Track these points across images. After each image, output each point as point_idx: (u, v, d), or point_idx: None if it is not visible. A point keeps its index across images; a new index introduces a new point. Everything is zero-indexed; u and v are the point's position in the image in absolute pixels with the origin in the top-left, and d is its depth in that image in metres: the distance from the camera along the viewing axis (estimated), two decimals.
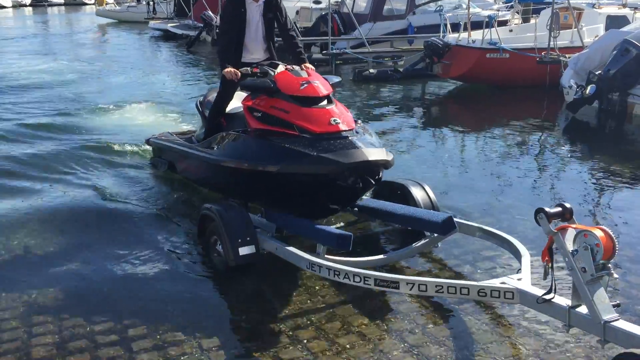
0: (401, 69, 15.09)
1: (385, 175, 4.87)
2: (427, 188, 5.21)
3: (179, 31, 25.17)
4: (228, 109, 5.59)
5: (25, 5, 57.08)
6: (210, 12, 21.13)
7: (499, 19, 14.74)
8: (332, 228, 4.68)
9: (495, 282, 3.70)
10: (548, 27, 12.35)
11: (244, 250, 4.38)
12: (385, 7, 18.30)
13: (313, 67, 5.13)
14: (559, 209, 3.37)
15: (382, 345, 3.66)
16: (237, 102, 5.46)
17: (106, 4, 40.44)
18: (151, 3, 33.93)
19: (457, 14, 16.12)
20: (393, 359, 3.53)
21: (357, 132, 4.57)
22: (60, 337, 3.78)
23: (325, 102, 4.68)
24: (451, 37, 13.66)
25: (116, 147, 8.00)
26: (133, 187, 6.59)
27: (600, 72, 9.99)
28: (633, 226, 5.57)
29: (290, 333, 3.81)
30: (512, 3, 16.40)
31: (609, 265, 3.19)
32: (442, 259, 4.84)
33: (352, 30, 17.30)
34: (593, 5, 14.46)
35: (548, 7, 13.39)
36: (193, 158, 5.75)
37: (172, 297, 4.27)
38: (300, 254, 4.22)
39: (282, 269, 4.52)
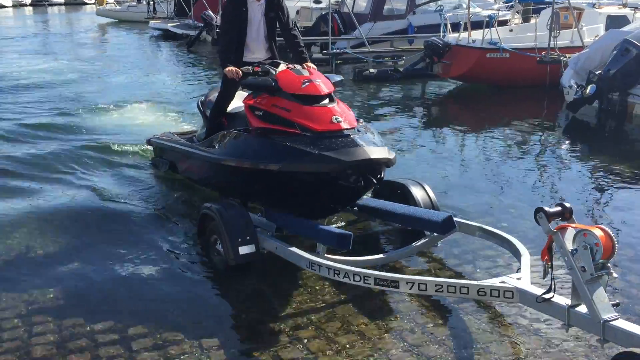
0: (401, 69, 15.09)
1: (386, 175, 4.87)
2: (427, 187, 5.21)
3: (179, 31, 25.16)
4: (229, 109, 5.58)
5: (26, 5, 57.06)
6: (210, 12, 21.13)
7: (499, 19, 14.74)
8: (332, 227, 4.69)
9: (494, 282, 3.71)
10: (548, 27, 12.35)
11: (244, 250, 4.38)
12: (386, 6, 18.31)
13: (315, 66, 5.11)
14: (559, 208, 3.37)
15: (382, 345, 3.66)
16: (238, 101, 5.44)
17: (106, 3, 40.46)
18: (151, 3, 33.92)
19: (457, 14, 16.13)
20: (393, 358, 3.54)
21: (358, 131, 4.56)
22: (60, 336, 3.78)
23: (326, 100, 4.66)
24: (451, 36, 13.66)
25: (116, 147, 8.00)
26: (133, 187, 6.59)
27: (600, 72, 9.99)
28: (633, 226, 5.57)
29: (290, 332, 3.81)
30: (512, 3, 16.41)
31: (609, 264, 3.20)
32: (442, 259, 4.84)
33: (353, 30, 17.31)
34: (593, 5, 14.47)
35: (548, 7, 13.39)
36: (194, 157, 5.74)
37: (172, 297, 4.27)
38: (300, 253, 4.23)
39: (282, 268, 4.52)
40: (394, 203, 4.99)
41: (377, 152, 4.39)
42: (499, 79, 12.78)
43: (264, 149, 4.57)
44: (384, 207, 4.97)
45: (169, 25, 26.47)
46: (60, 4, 57.66)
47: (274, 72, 4.83)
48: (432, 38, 13.71)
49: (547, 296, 3.37)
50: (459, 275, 4.57)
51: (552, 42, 12.12)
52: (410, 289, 3.77)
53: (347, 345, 3.66)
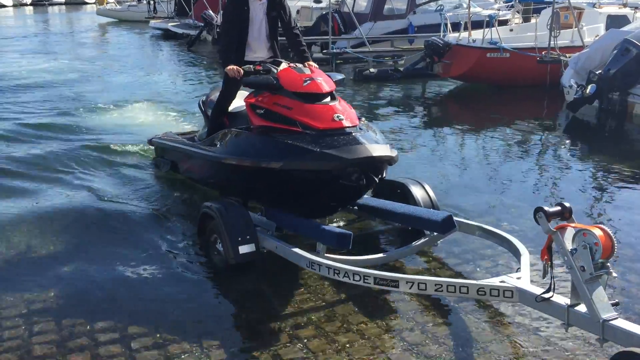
0: (401, 69, 15.10)
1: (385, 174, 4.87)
2: (427, 187, 5.21)
3: (180, 30, 25.18)
4: (231, 108, 5.55)
5: (26, 5, 57.11)
6: (210, 12, 21.14)
7: (500, 19, 14.77)
8: (332, 227, 4.69)
9: (494, 281, 3.71)
10: (548, 27, 12.36)
11: (244, 249, 4.38)
12: (386, 6, 18.31)
13: (316, 65, 5.09)
14: (558, 208, 3.38)
15: (382, 344, 3.67)
16: (240, 101, 5.41)
17: (107, 3, 40.52)
18: (152, 2, 33.97)
19: (457, 14, 16.14)
20: (392, 357, 3.54)
21: (360, 129, 4.54)
22: (60, 335, 3.78)
23: (328, 98, 4.65)
24: (451, 36, 13.67)
25: (117, 147, 7.99)
26: (134, 187, 6.59)
27: (600, 71, 10.00)
28: (633, 225, 5.58)
29: (290, 331, 3.82)
30: (512, 2, 16.42)
31: (608, 264, 3.20)
32: (442, 258, 4.85)
33: (353, 29, 17.30)
34: (593, 5, 14.47)
35: (548, 6, 13.40)
36: (195, 157, 5.72)
37: (171, 296, 4.27)
38: (300, 253, 4.23)
39: (282, 267, 4.52)
40: (394, 202, 4.99)
41: (379, 149, 4.37)
42: (499, 79, 12.79)
43: (265, 147, 4.55)
44: (383, 206, 4.97)
45: (170, 25, 26.48)
46: (60, 4, 57.71)
47: (275, 71, 4.81)
48: (433, 38, 13.72)
49: (546, 295, 3.38)
50: (459, 275, 4.57)
51: (552, 42, 12.12)
52: (410, 288, 3.77)
53: (347, 345, 3.66)
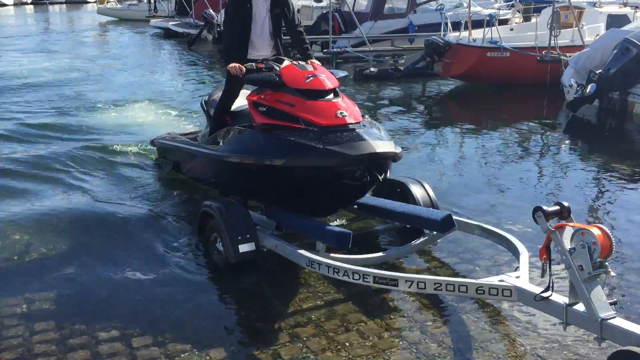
0: (402, 68, 15.10)
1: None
2: (427, 186, 5.21)
3: (180, 29, 25.17)
4: (233, 107, 5.50)
5: (27, 3, 57.14)
6: (211, 11, 21.11)
7: (500, 18, 14.76)
8: (332, 226, 4.70)
9: (493, 280, 3.71)
10: (549, 26, 12.36)
11: (243, 248, 4.38)
12: (386, 5, 18.30)
13: (319, 63, 5.07)
14: (557, 207, 3.38)
15: (381, 343, 3.68)
16: (242, 100, 5.38)
17: (107, 2, 40.48)
18: (152, 1, 33.94)
19: (458, 13, 16.13)
20: (392, 356, 3.55)
21: (364, 125, 4.48)
22: (60, 334, 3.79)
23: (331, 95, 4.60)
24: (452, 35, 13.67)
25: (117, 147, 7.98)
26: (134, 188, 6.58)
27: (600, 71, 10.01)
28: (632, 225, 5.58)
29: (290, 331, 3.83)
30: (512, 2, 16.39)
31: (606, 263, 3.21)
32: (441, 257, 4.85)
33: (353, 28, 17.29)
34: (594, 4, 14.46)
35: (549, 6, 13.39)
36: (197, 156, 5.70)
37: (172, 295, 4.28)
38: (299, 252, 4.23)
39: (282, 266, 4.53)
40: (394, 201, 4.99)
41: (383, 146, 4.32)
42: (500, 78, 12.79)
43: (267, 144, 4.51)
44: (383, 205, 4.96)
45: (170, 24, 26.48)
46: (61, 3, 57.73)
47: (277, 68, 4.77)
48: (433, 37, 13.71)
49: (545, 295, 3.38)
50: (458, 274, 4.58)
51: (552, 41, 12.12)
52: (409, 287, 3.78)
53: (347, 344, 3.67)
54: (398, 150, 4.56)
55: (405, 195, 5.13)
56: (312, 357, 3.55)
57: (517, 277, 3.71)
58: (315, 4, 21.03)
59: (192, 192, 6.30)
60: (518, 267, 3.93)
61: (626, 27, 11.33)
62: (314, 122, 4.39)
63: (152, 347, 3.65)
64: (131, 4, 36.77)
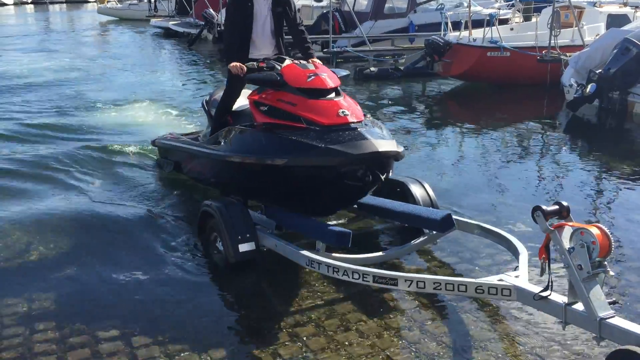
0: (402, 68, 15.11)
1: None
2: (427, 185, 5.22)
3: (181, 29, 25.18)
4: (235, 107, 5.48)
5: (27, 3, 57.16)
6: (211, 10, 21.11)
7: (500, 18, 14.76)
8: (332, 225, 4.70)
9: (492, 279, 3.71)
10: (549, 26, 12.36)
11: (243, 247, 4.39)
12: (387, 5, 18.30)
13: (320, 62, 5.05)
14: (556, 207, 3.39)
15: (381, 342, 3.68)
16: (243, 100, 5.36)
17: (108, 1, 40.49)
18: (152, 1, 33.93)
19: (458, 12, 16.14)
20: (391, 355, 3.56)
21: (366, 124, 4.46)
22: (61, 333, 3.80)
23: (333, 94, 4.58)
24: (452, 35, 13.68)
25: (118, 147, 7.98)
26: (135, 188, 6.58)
27: (600, 70, 10.01)
28: (632, 224, 5.59)
29: (290, 330, 3.83)
30: (513, 1, 16.40)
31: (605, 262, 3.22)
32: (441, 257, 4.86)
33: (353, 28, 17.31)
34: (594, 4, 14.47)
35: (549, 5, 13.39)
36: (198, 156, 5.69)
37: (172, 295, 4.29)
38: (299, 251, 4.24)
39: (282, 266, 4.54)
40: (393, 201, 4.99)
41: (385, 145, 4.31)
42: (500, 78, 12.79)
43: (269, 144, 4.48)
44: (383, 204, 4.97)
45: (170, 24, 26.49)
46: (61, 2, 57.72)
47: (279, 67, 4.75)
48: (433, 37, 13.72)
49: (544, 294, 3.39)
50: (458, 273, 4.59)
51: (552, 41, 12.12)
52: (408, 286, 3.78)
53: (346, 343, 3.68)
54: (400, 149, 4.54)
55: (405, 194, 5.14)
56: (311, 356, 3.56)
57: (517, 276, 3.71)
58: (315, 4, 21.04)
59: (192, 192, 6.31)
60: (517, 266, 3.93)
61: (626, 27, 11.33)
62: (316, 121, 4.37)
63: (152, 346, 3.66)
64: (131, 3, 36.78)
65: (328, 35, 16.27)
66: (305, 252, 4.19)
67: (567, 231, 3.29)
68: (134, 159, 7.60)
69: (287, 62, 4.82)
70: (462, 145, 8.92)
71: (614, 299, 3.38)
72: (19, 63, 17.27)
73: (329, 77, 4.65)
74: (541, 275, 3.42)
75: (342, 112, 4.42)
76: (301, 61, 4.88)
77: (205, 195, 5.92)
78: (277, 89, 4.67)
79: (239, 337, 3.82)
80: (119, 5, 38.09)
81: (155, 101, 11.55)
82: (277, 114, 4.61)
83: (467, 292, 3.69)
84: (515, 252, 4.21)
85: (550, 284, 3.38)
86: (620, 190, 6.67)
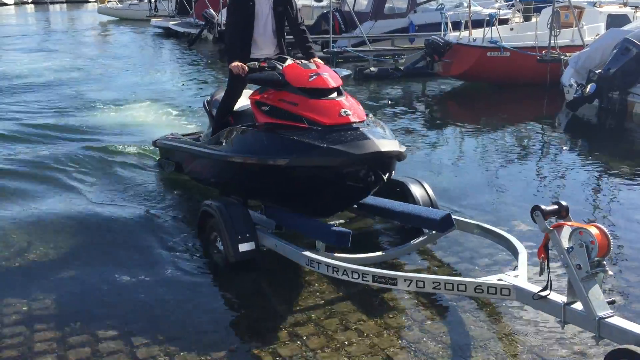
0: (402, 67, 15.12)
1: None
2: (426, 185, 5.22)
3: (181, 29, 25.19)
4: (236, 107, 5.46)
5: (27, 3, 57.17)
6: (211, 10, 21.12)
7: (500, 18, 14.78)
8: (332, 225, 4.70)
9: (492, 279, 3.72)
10: (549, 26, 12.37)
11: (243, 247, 4.39)
12: (387, 5, 18.32)
13: (322, 62, 5.04)
14: (555, 206, 3.40)
15: (380, 342, 3.69)
16: (245, 99, 5.35)
17: (108, 1, 40.50)
18: (153, 1, 33.94)
19: (458, 12, 16.15)
20: (390, 355, 3.57)
21: (368, 124, 4.45)
22: (61, 332, 3.80)
23: (335, 94, 4.57)
24: (452, 35, 13.69)
25: (118, 148, 7.97)
26: (135, 189, 6.59)
27: (600, 70, 10.02)
28: (632, 224, 5.60)
29: (290, 329, 3.84)
30: (513, 1, 16.42)
31: (604, 262, 3.23)
32: (440, 256, 4.87)
33: (353, 28, 17.31)
34: (594, 4, 14.49)
35: (549, 5, 13.41)
36: (200, 156, 5.68)
37: (172, 294, 4.30)
38: (299, 251, 4.24)
39: (282, 265, 4.55)
40: (393, 201, 5.00)
41: (387, 145, 4.29)
42: (500, 78, 12.80)
43: (270, 144, 4.47)
44: (382, 204, 4.97)
45: (171, 24, 26.50)
46: (61, 2, 57.70)
47: (280, 67, 4.74)
48: (433, 37, 13.73)
49: (543, 294, 3.40)
50: (457, 273, 4.60)
51: (552, 41, 12.13)
52: (408, 286, 3.79)
53: (346, 342, 3.68)
54: (403, 149, 4.53)
55: (404, 194, 5.14)
56: (311, 355, 3.57)
57: (516, 276, 3.71)
58: (315, 4, 21.04)
59: (192, 192, 6.31)
60: (517, 266, 3.94)
61: (626, 27, 11.34)
62: (318, 121, 4.36)
63: (152, 345, 3.66)
64: (132, 3, 36.80)
65: (328, 35, 16.27)
66: (305, 252, 4.19)
67: (566, 231, 3.30)
68: (134, 160, 7.59)
69: (289, 61, 4.81)
70: (461, 145, 8.93)
71: (613, 298, 3.38)
72: (19, 63, 17.28)
73: (331, 77, 4.63)
74: (540, 274, 3.42)
75: (344, 111, 4.41)
76: (303, 61, 4.87)
77: (206, 195, 5.93)
78: (279, 88, 4.66)
79: (239, 337, 3.82)
80: (119, 5, 38.11)
81: (155, 101, 11.55)
82: (278, 114, 4.60)
83: (466, 292, 3.70)
84: (514, 252, 4.21)
85: (549, 283, 3.38)
86: (620, 190, 6.68)
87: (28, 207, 5.95)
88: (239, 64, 4.94)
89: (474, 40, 13.07)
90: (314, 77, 4.56)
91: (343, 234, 4.23)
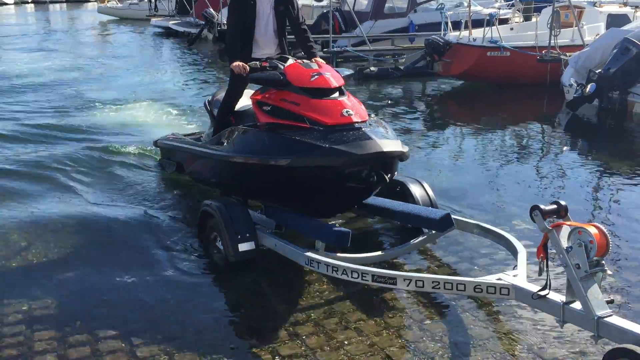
0: (402, 67, 15.12)
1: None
2: (426, 185, 5.23)
3: (181, 29, 25.19)
4: (237, 107, 5.44)
5: (27, 2, 57.16)
6: (211, 10, 21.12)
7: (500, 17, 14.78)
8: (331, 225, 4.71)
9: (491, 279, 3.72)
10: (549, 26, 12.37)
11: (243, 247, 4.39)
12: (387, 5, 18.31)
13: (324, 61, 5.02)
14: (554, 206, 3.40)
15: (379, 341, 3.70)
16: (246, 99, 5.34)
17: (108, 1, 40.48)
18: (153, 0, 33.95)
19: (458, 12, 16.15)
20: (390, 354, 3.57)
21: (370, 124, 4.43)
22: (61, 332, 3.81)
23: (337, 94, 4.55)
24: (452, 35, 13.69)
25: (118, 148, 7.97)
26: (134, 188, 6.59)
27: (600, 70, 10.03)
28: (631, 224, 5.60)
29: (289, 329, 3.84)
30: (513, 1, 16.42)
31: (603, 262, 3.23)
32: (440, 256, 4.88)
33: (353, 28, 17.31)
34: (594, 4, 14.49)
35: (549, 5, 13.41)
36: (201, 156, 5.67)
37: (172, 294, 4.30)
38: (299, 251, 4.25)
39: (281, 265, 4.55)
40: (393, 200, 5.00)
41: (390, 145, 4.28)
42: (500, 78, 12.80)
43: (272, 144, 4.45)
44: (382, 204, 4.97)
45: (171, 23, 26.50)
46: (61, 2, 57.68)
47: (282, 67, 4.72)
48: (433, 36, 13.73)
49: (542, 293, 3.40)
50: (456, 272, 4.61)
51: (552, 41, 12.13)
52: (407, 285, 3.80)
53: (345, 342, 3.69)
54: (405, 149, 4.52)
55: (404, 194, 5.14)
56: (311, 354, 3.57)
57: (515, 275, 3.72)
58: (315, 3, 21.04)
59: (192, 193, 6.32)
60: (516, 265, 3.94)
61: (626, 27, 11.34)
62: (319, 121, 4.34)
63: (152, 345, 3.67)
64: (132, 3, 36.78)
65: (328, 35, 16.26)
66: (305, 252, 4.19)
67: (565, 230, 3.30)
68: (134, 159, 7.59)
69: (290, 61, 4.79)
70: (461, 145, 8.93)
71: (612, 297, 3.38)
72: (19, 62, 17.28)
73: (333, 77, 4.62)
74: (539, 274, 3.43)
75: (346, 111, 4.40)
76: (304, 60, 4.86)
77: (206, 195, 5.93)
78: (280, 88, 4.64)
79: (239, 336, 3.83)
80: (119, 4, 38.08)
81: (155, 101, 11.55)
82: (280, 114, 4.59)
83: (465, 291, 3.70)
84: (513, 252, 4.21)
85: (548, 283, 3.39)
86: (620, 190, 6.69)
87: (28, 207, 5.95)
88: (240, 63, 4.92)
89: (474, 40, 13.07)
90: (316, 76, 4.55)
91: (343, 233, 4.23)
